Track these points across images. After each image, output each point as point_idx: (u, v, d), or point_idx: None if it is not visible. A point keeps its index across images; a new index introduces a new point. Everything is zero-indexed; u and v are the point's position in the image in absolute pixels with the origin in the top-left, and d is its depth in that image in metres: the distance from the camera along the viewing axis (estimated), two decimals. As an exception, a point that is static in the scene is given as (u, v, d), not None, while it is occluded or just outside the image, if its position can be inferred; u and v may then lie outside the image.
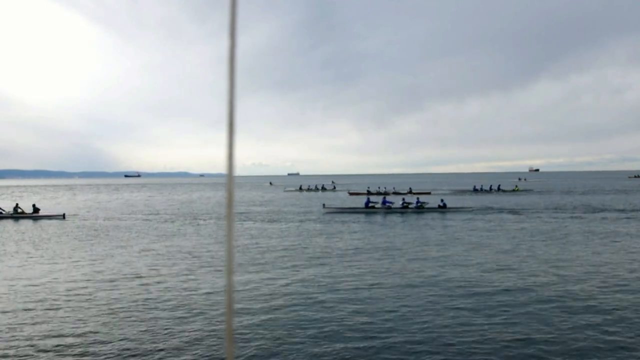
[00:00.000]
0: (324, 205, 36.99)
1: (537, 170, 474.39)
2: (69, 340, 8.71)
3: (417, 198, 36.72)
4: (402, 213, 32.72)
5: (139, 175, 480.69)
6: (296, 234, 23.33)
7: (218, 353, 8.06)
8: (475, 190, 63.43)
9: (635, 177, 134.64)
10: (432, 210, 33.81)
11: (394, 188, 66.86)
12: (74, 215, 35.05)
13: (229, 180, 1.20)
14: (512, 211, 33.42)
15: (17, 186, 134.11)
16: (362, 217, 31.01)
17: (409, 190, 59.67)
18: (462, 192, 63.42)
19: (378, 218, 30.20)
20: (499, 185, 65.32)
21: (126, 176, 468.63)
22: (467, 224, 26.17)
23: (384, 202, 34.75)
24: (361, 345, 8.32)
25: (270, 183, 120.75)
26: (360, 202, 40.87)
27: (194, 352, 8.11)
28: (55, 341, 8.65)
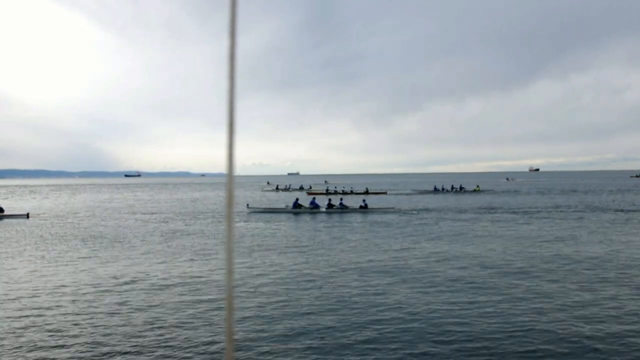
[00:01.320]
0: (247, 205, 37.52)
1: (537, 170, 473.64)
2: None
3: (341, 199, 37.65)
4: (327, 214, 33.41)
5: (139, 175, 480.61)
6: (191, 232, 24.19)
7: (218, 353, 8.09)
8: (435, 190, 64.40)
9: (636, 176, 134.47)
10: (354, 211, 34.71)
11: (351, 188, 68.13)
12: (39, 214, 35.09)
13: (229, 180, 1.20)
14: (440, 211, 34.45)
15: (17, 186, 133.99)
16: (282, 217, 31.49)
17: (365, 191, 60.83)
18: (423, 192, 64.27)
19: (297, 218, 30.83)
20: (461, 186, 66.01)
21: (126, 176, 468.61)
22: (369, 224, 26.85)
23: (311, 203, 35.28)
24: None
25: (268, 183, 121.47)
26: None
27: (194, 352, 8.13)
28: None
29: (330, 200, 36.68)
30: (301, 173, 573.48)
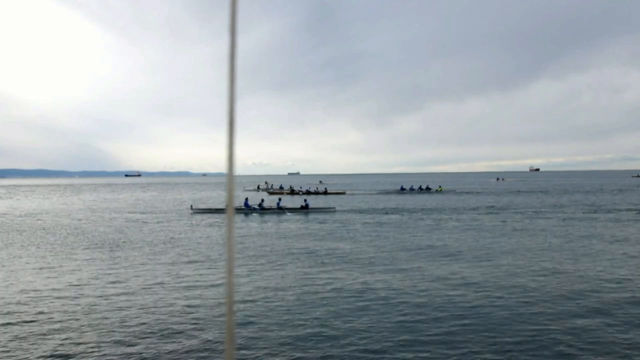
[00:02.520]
0: (191, 206, 38.04)
1: (538, 169, 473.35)
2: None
3: (279, 199, 38.35)
4: (261, 214, 34.03)
5: (139, 175, 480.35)
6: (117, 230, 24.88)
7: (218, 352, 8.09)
8: (402, 190, 66.01)
9: (637, 176, 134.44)
10: (292, 210, 35.49)
11: (316, 188, 69.83)
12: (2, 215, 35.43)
13: (229, 180, 1.20)
14: (377, 211, 35.08)
15: (17, 185, 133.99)
16: (222, 217, 31.98)
17: (324, 191, 62.61)
18: (388, 192, 65.94)
19: (236, 219, 31.25)
20: (427, 186, 67.60)
21: (127, 175, 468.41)
22: (309, 223, 27.78)
23: (245, 204, 35.57)
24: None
25: (266, 182, 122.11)
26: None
27: (194, 352, 8.12)
28: None
29: (262, 200, 37.17)
30: (301, 173, 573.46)
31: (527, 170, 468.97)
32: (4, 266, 15.71)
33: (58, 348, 8.25)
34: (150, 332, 9.02)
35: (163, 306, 10.71)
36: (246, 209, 34.63)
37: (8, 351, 8.09)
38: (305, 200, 37.64)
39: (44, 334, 8.94)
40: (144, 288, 12.41)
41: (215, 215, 33.61)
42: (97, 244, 20.44)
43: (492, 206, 38.65)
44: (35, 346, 8.33)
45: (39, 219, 32.02)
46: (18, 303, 11.06)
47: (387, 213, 33.65)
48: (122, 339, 8.67)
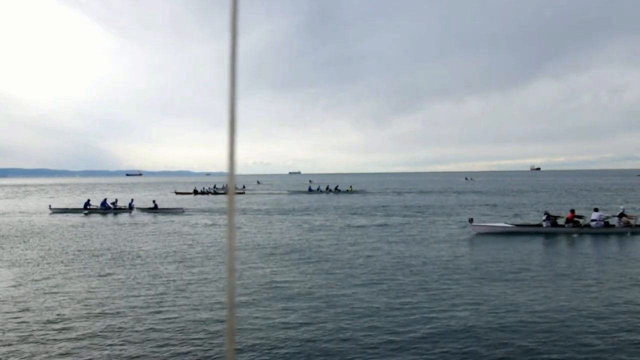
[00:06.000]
0: (50, 206, 38.61)
1: (539, 169, 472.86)
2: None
3: (131, 200, 39.22)
4: (114, 214, 35.01)
5: (140, 174, 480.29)
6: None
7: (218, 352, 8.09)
8: (310, 190, 67.44)
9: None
10: (142, 210, 36.25)
11: (223, 186, 71.89)
12: None
13: (230, 180, 1.21)
14: (248, 212, 35.31)
15: (17, 185, 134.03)
16: (78, 217, 32.61)
17: (224, 191, 63.88)
18: (295, 192, 67.44)
19: (88, 219, 31.54)
20: (337, 187, 68.37)
21: (127, 175, 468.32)
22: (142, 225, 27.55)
23: (102, 204, 36.67)
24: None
25: (258, 182, 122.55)
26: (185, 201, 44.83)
27: (193, 352, 8.13)
28: None
29: (116, 200, 38.25)
30: (302, 172, 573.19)
31: (528, 169, 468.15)
32: None
33: None
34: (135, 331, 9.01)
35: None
36: (102, 209, 36.06)
37: None
38: (154, 202, 38.28)
39: None
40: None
41: (71, 214, 34.71)
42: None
43: (383, 206, 39.37)
44: None
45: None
46: None
47: (245, 214, 33.86)
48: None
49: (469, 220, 21.82)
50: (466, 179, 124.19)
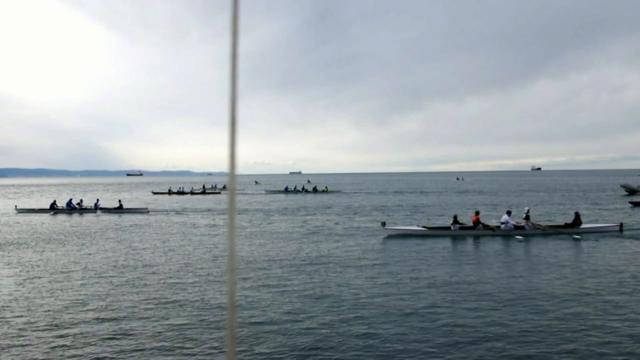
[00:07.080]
0: (15, 206, 39.01)
1: (539, 169, 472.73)
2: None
3: (97, 200, 39.12)
4: (80, 214, 35.39)
5: (141, 174, 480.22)
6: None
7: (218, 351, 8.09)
8: (286, 190, 68.53)
9: None
10: (107, 210, 36.61)
11: (202, 187, 73.80)
12: None
13: (231, 179, 1.21)
14: (201, 212, 35.68)
15: (18, 185, 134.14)
16: (44, 217, 32.98)
17: (202, 190, 65.44)
18: (272, 192, 68.59)
19: (54, 218, 31.97)
20: (315, 187, 69.23)
21: (128, 175, 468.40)
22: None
23: (68, 204, 37.28)
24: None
25: (256, 182, 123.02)
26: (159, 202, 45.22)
27: (194, 351, 8.13)
28: None
29: (81, 200, 38.97)
30: (303, 172, 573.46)
31: (529, 169, 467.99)
32: None
33: None
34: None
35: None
36: (67, 209, 36.73)
37: None
38: (119, 201, 38.76)
39: None
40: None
41: (37, 214, 34.99)
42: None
43: (348, 207, 39.43)
44: None
45: None
46: None
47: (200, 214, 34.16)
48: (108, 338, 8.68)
49: (382, 224, 22.40)
50: (457, 178, 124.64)
